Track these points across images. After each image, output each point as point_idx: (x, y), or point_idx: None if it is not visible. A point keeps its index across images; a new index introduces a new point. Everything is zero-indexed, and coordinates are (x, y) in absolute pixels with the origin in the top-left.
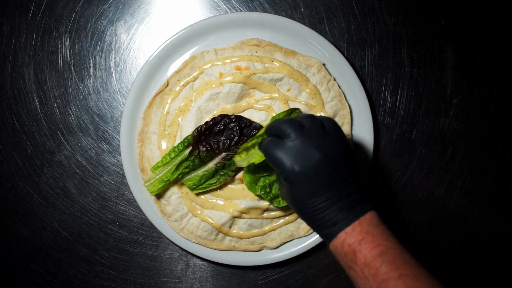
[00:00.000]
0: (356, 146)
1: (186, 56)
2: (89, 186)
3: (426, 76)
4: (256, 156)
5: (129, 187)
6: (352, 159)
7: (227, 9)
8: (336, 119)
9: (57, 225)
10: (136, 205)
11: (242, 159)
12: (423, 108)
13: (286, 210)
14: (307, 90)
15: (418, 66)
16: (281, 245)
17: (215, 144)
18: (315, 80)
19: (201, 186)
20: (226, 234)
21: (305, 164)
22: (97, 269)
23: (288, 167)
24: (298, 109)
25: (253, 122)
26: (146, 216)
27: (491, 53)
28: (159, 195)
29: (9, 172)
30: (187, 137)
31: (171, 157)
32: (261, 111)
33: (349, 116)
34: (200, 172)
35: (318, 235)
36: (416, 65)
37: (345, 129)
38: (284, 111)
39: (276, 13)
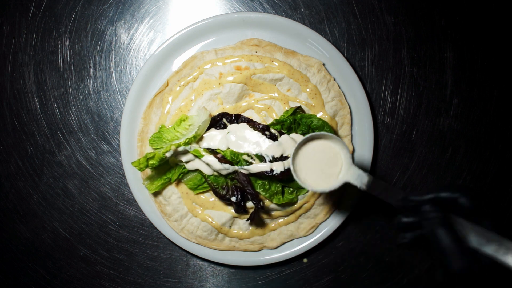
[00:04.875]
0: (356, 146)
1: (186, 56)
2: (89, 186)
3: (426, 76)
4: None
5: (129, 187)
6: None
7: (227, 9)
8: (336, 119)
9: (57, 225)
10: (136, 205)
11: None
12: (423, 108)
13: (286, 210)
14: (307, 90)
15: (418, 66)
16: (281, 245)
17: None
18: (315, 80)
19: (201, 186)
20: (226, 235)
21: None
22: (97, 269)
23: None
24: (300, 107)
25: (252, 120)
26: (146, 216)
27: (491, 53)
28: (158, 195)
29: (9, 172)
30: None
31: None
32: (261, 111)
33: (349, 116)
34: None
35: (318, 235)
36: (416, 65)
37: (345, 129)
38: (287, 111)
39: (276, 13)
